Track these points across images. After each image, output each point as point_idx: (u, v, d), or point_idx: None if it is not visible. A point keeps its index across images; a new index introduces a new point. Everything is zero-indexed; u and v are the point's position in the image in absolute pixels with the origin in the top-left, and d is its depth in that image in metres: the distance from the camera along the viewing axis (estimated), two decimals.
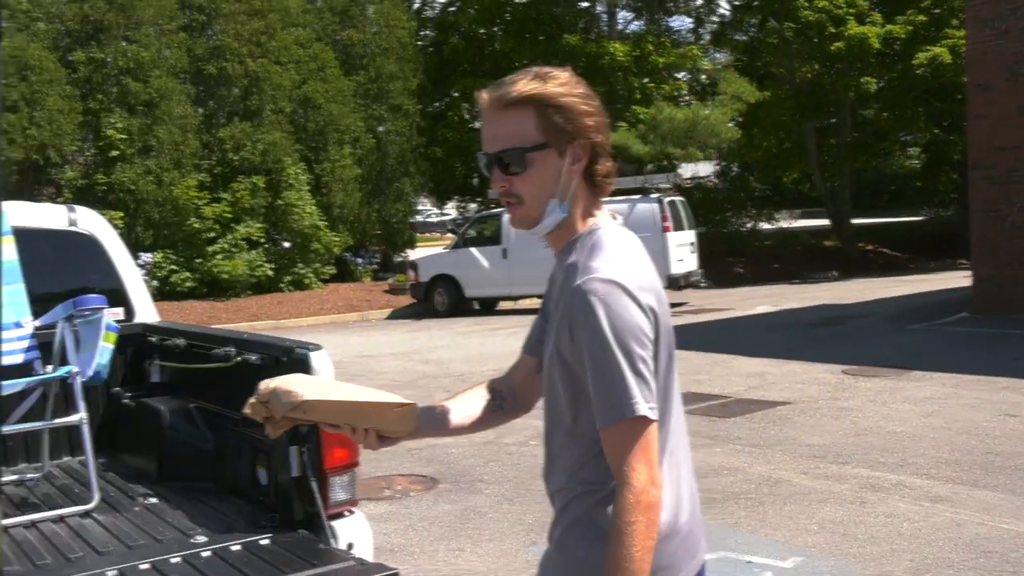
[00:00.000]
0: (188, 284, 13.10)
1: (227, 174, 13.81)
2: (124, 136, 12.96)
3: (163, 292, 12.64)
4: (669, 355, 1.29)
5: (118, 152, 12.96)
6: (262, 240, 13.85)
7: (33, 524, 2.34)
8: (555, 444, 1.34)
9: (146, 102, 13.14)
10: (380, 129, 15.89)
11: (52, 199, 12.22)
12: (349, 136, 15.03)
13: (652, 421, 1.21)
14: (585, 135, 1.27)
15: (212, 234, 13.35)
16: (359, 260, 15.86)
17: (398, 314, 13.58)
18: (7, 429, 2.69)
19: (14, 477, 2.79)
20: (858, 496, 4.32)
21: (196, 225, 13.22)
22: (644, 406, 1.20)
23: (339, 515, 2.22)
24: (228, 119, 14.31)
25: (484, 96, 1.28)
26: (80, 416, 2.55)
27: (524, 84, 1.25)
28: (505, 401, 1.47)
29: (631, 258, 1.30)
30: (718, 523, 4.02)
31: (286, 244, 14.10)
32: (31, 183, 12.73)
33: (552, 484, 1.35)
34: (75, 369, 2.55)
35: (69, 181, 13.02)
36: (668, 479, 1.27)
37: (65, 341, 2.59)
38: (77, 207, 3.29)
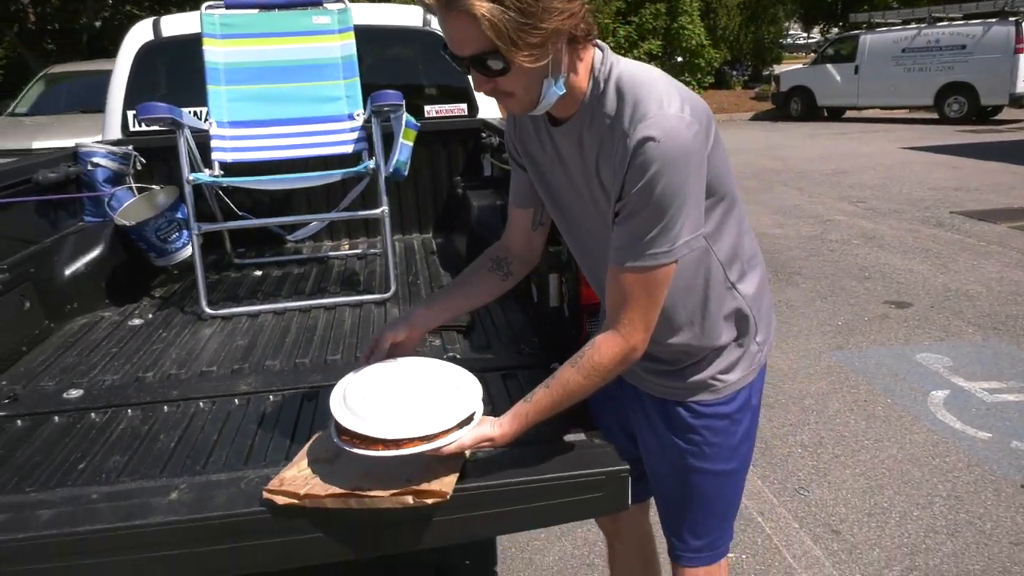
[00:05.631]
0: None
1: (636, 2, 17.87)
2: None
3: None
4: (723, 160, 1.21)
5: None
6: (659, 55, 17.91)
7: (331, 307, 2.57)
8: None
9: None
10: None
11: None
12: None
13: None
14: (556, 26, 1.08)
15: (621, 51, 17.05)
16: (734, 72, 20.76)
17: (759, 117, 17.12)
18: (328, 216, 3.05)
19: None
20: None
21: (609, 42, 16.73)
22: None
23: None
24: None
25: None
26: (382, 210, 2.67)
27: None
28: (511, 266, 1.50)
29: (662, 80, 1.15)
30: None
31: (678, 59, 18.41)
32: None
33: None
34: (372, 165, 2.66)
35: None
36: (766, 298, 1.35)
37: (373, 136, 2.71)
38: None
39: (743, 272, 1.31)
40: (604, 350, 1.21)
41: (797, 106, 16.16)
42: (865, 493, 2.78)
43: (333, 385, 1.83)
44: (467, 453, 1.35)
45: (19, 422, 1.75)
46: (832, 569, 2.38)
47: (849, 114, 16.14)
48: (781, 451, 3.10)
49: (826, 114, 16.14)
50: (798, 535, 2.55)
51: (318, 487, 1.27)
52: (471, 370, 1.93)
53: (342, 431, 1.27)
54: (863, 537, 2.53)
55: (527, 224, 1.48)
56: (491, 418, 1.30)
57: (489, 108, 3.53)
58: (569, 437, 1.45)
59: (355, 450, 1.24)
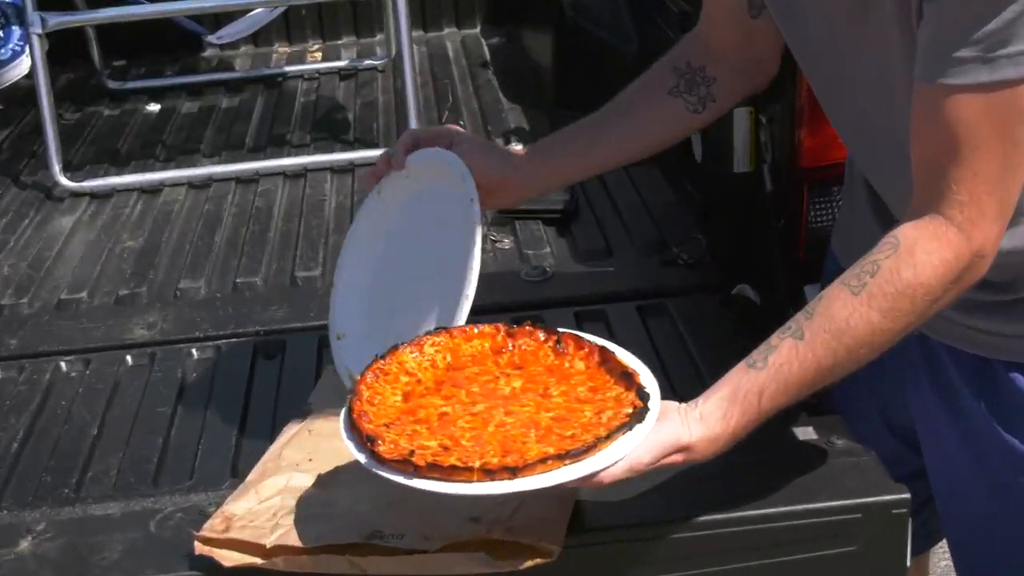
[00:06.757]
0: None
1: None
2: None
3: None
4: None
5: None
6: None
7: None
8: None
9: None
10: None
11: None
12: None
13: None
14: None
15: None
16: None
17: None
18: None
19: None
20: None
21: None
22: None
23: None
24: None
25: None
26: None
27: None
28: (712, 85, 1.52)
29: None
30: None
31: None
32: None
33: None
34: None
35: None
36: None
37: None
38: None
39: None
40: (922, 255, 1.14)
41: None
42: None
43: (307, 327, 1.85)
44: None
45: None
46: None
47: None
48: None
49: None
50: None
51: (296, 532, 1.25)
52: (574, 296, 1.96)
53: (369, 440, 1.13)
54: None
55: (735, 4, 1.44)
56: (676, 405, 1.20)
57: None
58: (798, 432, 1.42)
59: (411, 483, 1.10)
